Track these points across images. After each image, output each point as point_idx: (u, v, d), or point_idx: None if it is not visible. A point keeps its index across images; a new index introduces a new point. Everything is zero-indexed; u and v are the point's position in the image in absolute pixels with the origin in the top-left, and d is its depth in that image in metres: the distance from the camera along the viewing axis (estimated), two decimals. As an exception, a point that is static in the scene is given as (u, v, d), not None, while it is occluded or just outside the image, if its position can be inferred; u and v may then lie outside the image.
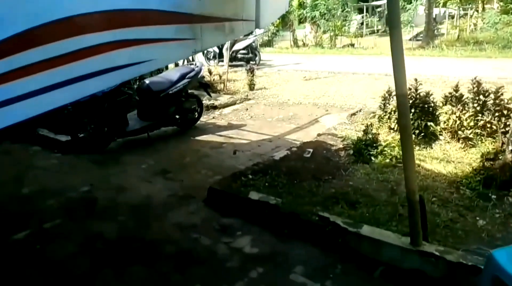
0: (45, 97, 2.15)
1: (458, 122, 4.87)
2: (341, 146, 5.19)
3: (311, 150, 5.06)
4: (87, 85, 2.40)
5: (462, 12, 21.92)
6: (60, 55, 2.18)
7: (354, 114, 6.91)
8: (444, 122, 5.01)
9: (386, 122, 5.40)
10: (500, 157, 4.05)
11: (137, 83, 6.89)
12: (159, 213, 3.90)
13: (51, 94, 2.18)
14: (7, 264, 3.16)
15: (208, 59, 14.36)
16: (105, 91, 5.59)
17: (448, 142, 4.92)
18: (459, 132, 4.83)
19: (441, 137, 5.03)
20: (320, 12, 21.23)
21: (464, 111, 4.93)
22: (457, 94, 5.14)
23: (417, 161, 4.33)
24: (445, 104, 5.22)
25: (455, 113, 4.94)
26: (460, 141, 4.82)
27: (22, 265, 3.13)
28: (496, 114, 4.70)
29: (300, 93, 9.26)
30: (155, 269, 3.05)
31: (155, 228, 3.65)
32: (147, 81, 6.29)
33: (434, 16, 19.60)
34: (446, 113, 5.05)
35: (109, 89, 5.64)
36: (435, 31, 19.19)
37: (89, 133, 5.69)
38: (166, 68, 9.17)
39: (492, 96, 4.85)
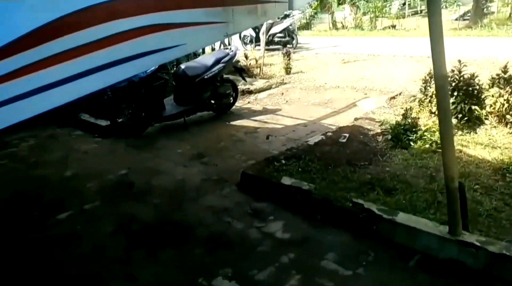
0: (81, 82, 2.20)
1: (506, 105, 4.57)
2: (378, 130, 5.02)
3: (347, 135, 4.94)
4: (120, 70, 2.43)
5: (515, -12, 20.46)
6: (95, 41, 2.22)
7: (393, 97, 6.67)
8: (491, 106, 4.72)
9: (427, 106, 5.16)
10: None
11: (174, 68, 6.98)
12: (193, 196, 3.96)
13: (87, 79, 2.23)
14: (51, 243, 3.32)
15: (245, 43, 14.29)
16: (141, 76, 5.72)
17: (495, 127, 4.64)
18: (507, 116, 4.54)
19: (486, 122, 4.75)
20: (360, -8, 20.54)
21: (513, 94, 4.62)
22: (505, 76, 4.81)
23: (459, 147, 4.14)
24: (492, 87, 4.90)
25: (503, 96, 4.63)
26: (508, 126, 4.53)
27: (65, 245, 3.28)
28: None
29: (337, 76, 9.04)
30: (187, 251, 3.10)
31: (188, 211, 3.71)
32: (182, 66, 6.35)
33: (483, -7, 18.44)
34: (493, 96, 4.75)
35: (146, 74, 5.76)
36: (484, 9, 18.07)
37: (127, 118, 5.84)
38: (203, 52, 9.24)
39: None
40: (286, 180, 3.79)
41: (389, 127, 4.93)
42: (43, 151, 5.42)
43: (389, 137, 4.68)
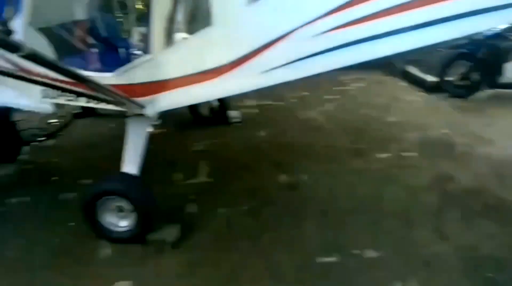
0: (426, 31, 2.13)
1: None
2: None
3: None
4: (468, 23, 2.18)
5: None
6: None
7: None
8: None
9: None
10: None
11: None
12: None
13: (434, 29, 2.13)
14: (372, 177, 3.65)
15: None
16: (487, 35, 5.26)
17: None
18: None
19: None
20: None
21: None
22: None
23: None
24: None
25: None
26: None
27: (378, 185, 3.51)
28: None
29: None
30: (504, 225, 2.84)
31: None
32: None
33: None
34: None
35: (492, 33, 5.26)
36: None
37: (459, 77, 5.55)
38: None
39: None
40: None
41: None
42: (369, 93, 5.91)
43: None
